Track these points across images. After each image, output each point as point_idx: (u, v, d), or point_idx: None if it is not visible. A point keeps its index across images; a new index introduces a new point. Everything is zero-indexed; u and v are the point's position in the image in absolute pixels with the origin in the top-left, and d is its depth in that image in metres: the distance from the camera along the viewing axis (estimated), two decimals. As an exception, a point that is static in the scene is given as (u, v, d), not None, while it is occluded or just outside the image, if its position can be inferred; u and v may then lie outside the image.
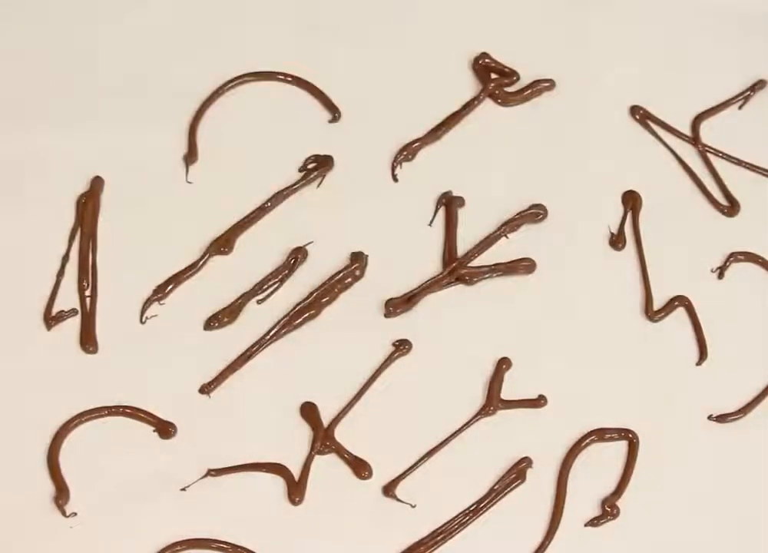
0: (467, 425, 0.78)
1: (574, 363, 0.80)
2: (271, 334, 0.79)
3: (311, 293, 0.80)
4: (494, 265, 0.82)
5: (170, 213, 0.83)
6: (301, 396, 0.78)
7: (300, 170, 0.83)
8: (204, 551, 0.75)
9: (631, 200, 0.84)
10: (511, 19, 0.88)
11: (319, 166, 0.83)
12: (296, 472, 0.77)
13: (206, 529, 0.75)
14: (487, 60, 0.86)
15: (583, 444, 0.78)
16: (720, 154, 0.86)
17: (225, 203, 0.83)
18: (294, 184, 0.83)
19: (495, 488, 0.77)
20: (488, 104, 0.86)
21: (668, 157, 0.86)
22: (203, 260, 0.81)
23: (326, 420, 0.78)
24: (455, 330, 0.80)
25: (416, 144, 0.84)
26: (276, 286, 0.81)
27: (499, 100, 0.86)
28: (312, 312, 0.80)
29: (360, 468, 0.77)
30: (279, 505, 0.76)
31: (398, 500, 0.76)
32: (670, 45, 0.88)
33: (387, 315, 0.80)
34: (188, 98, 0.85)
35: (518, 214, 0.83)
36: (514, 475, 0.77)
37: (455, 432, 0.78)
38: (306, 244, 0.81)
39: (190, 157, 0.84)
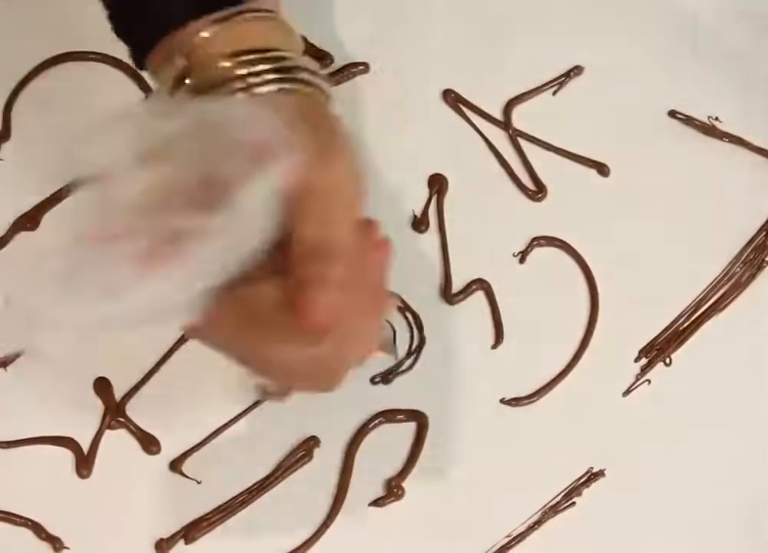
0: (257, 403, 0.79)
1: (369, 345, 0.81)
2: (69, 310, 0.81)
3: (112, 271, 0.82)
4: (294, 246, 0.83)
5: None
6: (95, 372, 0.79)
7: (109, 149, 0.84)
8: (-11, 522, 0.77)
9: (437, 183, 0.84)
10: (328, 2, 0.89)
11: (128, 144, 0.84)
12: (85, 447, 0.78)
13: (-7, 500, 0.77)
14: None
15: (371, 425, 0.79)
16: (530, 139, 0.86)
17: (34, 180, 0.83)
18: (102, 162, 0.84)
19: (282, 465, 0.78)
20: (302, 86, 0.87)
21: (478, 141, 0.86)
22: (8, 236, 0.82)
23: (119, 395, 0.79)
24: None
25: (225, 125, 0.85)
26: (78, 262, 0.82)
27: (313, 83, 0.87)
28: (112, 289, 0.81)
29: (149, 443, 0.78)
30: (68, 479, 0.78)
31: (185, 475, 0.78)
32: (486, 29, 0.88)
33: (186, 293, 0.81)
34: (5, 77, 0.86)
35: (321, 196, 0.84)
36: (301, 454, 0.79)
37: (245, 410, 0.79)
38: (114, 221, 0.83)
39: (3, 135, 0.85)
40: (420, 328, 0.81)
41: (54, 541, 0.76)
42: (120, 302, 0.55)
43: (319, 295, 0.58)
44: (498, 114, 0.87)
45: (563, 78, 0.87)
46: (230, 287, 0.58)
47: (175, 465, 0.78)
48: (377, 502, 0.78)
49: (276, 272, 0.59)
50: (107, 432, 0.78)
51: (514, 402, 0.80)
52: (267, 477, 0.78)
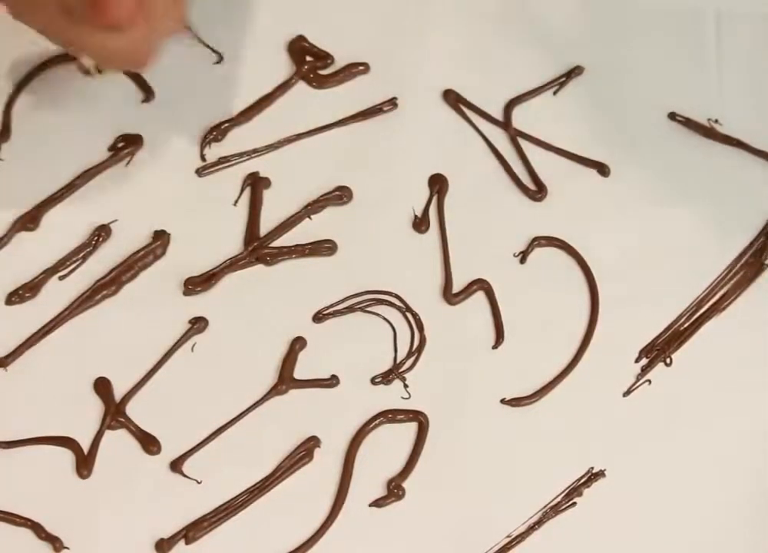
0: (257, 403, 0.79)
1: (369, 345, 0.81)
2: (69, 310, 0.80)
3: (111, 270, 0.81)
4: (295, 246, 0.83)
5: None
6: (96, 372, 0.80)
7: (110, 150, 0.84)
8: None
9: (438, 183, 0.84)
10: (329, 2, 0.89)
11: (128, 145, 0.84)
12: (85, 447, 0.78)
13: (-7, 500, 0.77)
14: (303, 43, 0.87)
15: (372, 425, 0.79)
16: (531, 139, 0.86)
17: (34, 180, 0.83)
18: (102, 162, 0.84)
19: (282, 466, 0.78)
20: (302, 87, 0.87)
21: (478, 141, 0.86)
22: (8, 236, 0.82)
23: (119, 396, 0.79)
24: (252, 309, 0.81)
25: (226, 125, 0.85)
26: (78, 262, 0.82)
27: (314, 83, 0.86)
28: (112, 288, 0.81)
29: (149, 443, 0.78)
30: (67, 479, 0.77)
31: (185, 475, 0.78)
32: (486, 29, 0.88)
33: (186, 293, 0.81)
34: (5, 77, 0.86)
35: (321, 196, 0.84)
36: (301, 454, 0.79)
37: (246, 410, 0.79)
38: (111, 222, 0.82)
39: (3, 135, 0.85)
40: (420, 328, 0.82)
41: (54, 541, 0.76)
42: None
43: None
44: (498, 114, 0.87)
45: (563, 78, 0.87)
46: None
47: (175, 465, 0.78)
48: (377, 502, 0.78)
49: None
50: (107, 432, 0.78)
51: (515, 402, 0.80)
52: (267, 477, 0.78)
